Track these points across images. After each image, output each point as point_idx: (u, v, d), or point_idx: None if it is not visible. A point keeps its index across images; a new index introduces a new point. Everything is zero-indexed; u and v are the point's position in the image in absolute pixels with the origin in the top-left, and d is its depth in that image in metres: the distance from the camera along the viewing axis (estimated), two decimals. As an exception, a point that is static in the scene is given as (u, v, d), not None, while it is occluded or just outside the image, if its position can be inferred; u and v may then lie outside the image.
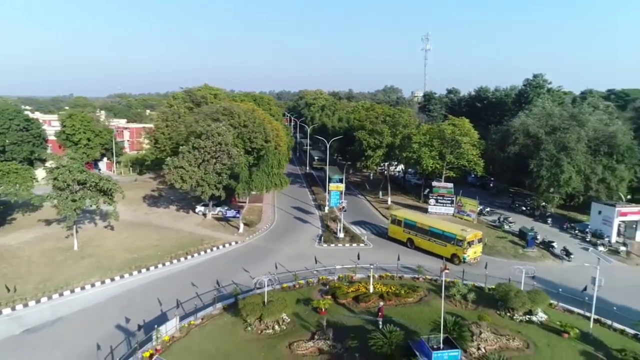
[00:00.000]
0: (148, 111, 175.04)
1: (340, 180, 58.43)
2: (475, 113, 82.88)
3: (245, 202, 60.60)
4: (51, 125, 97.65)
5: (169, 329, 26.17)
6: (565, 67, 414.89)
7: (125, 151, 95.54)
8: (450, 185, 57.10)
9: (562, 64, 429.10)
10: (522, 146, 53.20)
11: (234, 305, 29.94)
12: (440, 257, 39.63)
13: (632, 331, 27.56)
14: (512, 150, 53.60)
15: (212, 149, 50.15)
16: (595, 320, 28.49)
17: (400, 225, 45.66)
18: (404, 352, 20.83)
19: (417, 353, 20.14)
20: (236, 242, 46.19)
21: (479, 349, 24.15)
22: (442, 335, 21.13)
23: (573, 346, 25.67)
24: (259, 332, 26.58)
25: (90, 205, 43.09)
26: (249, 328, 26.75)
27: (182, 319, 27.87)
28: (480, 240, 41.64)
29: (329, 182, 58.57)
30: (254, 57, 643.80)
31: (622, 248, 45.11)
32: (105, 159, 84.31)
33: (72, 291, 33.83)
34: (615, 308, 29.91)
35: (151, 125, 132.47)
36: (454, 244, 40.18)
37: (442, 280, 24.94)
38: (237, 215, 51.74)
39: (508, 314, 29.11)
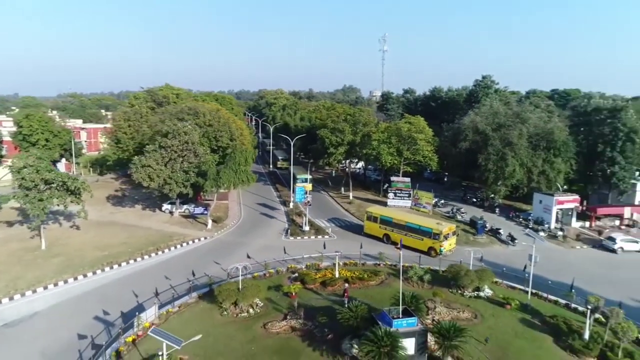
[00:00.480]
0: (103, 111, 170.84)
1: (307, 180, 60.68)
2: (430, 112, 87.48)
3: (211, 200, 61.82)
4: (2, 125, 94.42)
5: (149, 316, 27.77)
6: (516, 68, 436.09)
7: (84, 152, 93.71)
8: (408, 179, 60.84)
9: (513, 64, 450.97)
10: (471, 142, 57.60)
11: (209, 294, 31.79)
12: (417, 250, 41.65)
13: (563, 301, 31.68)
14: (463, 146, 57.94)
15: (178, 147, 51.24)
16: (533, 294, 32.46)
17: (376, 221, 46.93)
18: (368, 324, 23.50)
19: (380, 322, 22.85)
20: (205, 238, 47.66)
21: (433, 320, 27.26)
22: (401, 307, 23.98)
23: (514, 315, 29.37)
24: (235, 315, 28.60)
25: (58, 205, 43.40)
26: (225, 312, 28.72)
27: (160, 307, 29.42)
28: (454, 233, 43.95)
29: (295, 182, 60.59)
30: (211, 57, 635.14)
31: (560, 233, 50.15)
32: (63, 160, 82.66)
33: (46, 288, 34.46)
34: (550, 282, 34.05)
35: (109, 126, 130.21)
36: (430, 237, 41.90)
37: (400, 257, 27.81)
38: (205, 212, 53.12)
39: (459, 291, 32.55)
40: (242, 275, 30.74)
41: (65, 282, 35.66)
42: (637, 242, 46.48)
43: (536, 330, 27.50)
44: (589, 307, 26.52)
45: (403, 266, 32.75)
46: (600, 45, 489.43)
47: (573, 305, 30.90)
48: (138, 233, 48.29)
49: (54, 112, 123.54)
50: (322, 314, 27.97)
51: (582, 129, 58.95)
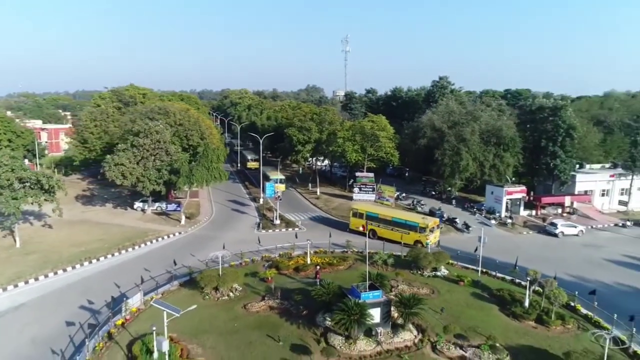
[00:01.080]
0: (61, 111, 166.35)
1: (281, 181, 62.87)
2: (391, 111, 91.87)
3: (182, 197, 63.34)
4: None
5: (135, 302, 29.70)
6: (472, 68, 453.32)
7: (47, 153, 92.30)
8: (372, 175, 64.55)
9: (470, 65, 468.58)
10: (429, 139, 61.91)
11: (189, 282, 34.00)
12: (399, 243, 44.06)
13: (508, 277, 35.89)
14: (422, 143, 62.13)
15: (150, 146, 52.63)
16: (483, 272, 36.59)
17: (362, 217, 48.11)
18: (339, 299, 26.46)
19: (349, 296, 25.89)
20: (180, 233, 49.44)
21: (396, 296, 30.60)
22: (367, 283, 27.14)
23: (466, 290, 33.24)
24: (216, 299, 30.97)
25: (32, 204, 44.08)
26: (207, 297, 31.03)
27: (144, 294, 31.35)
28: (438, 227, 46.33)
29: (271, 182, 62.15)
30: (171, 56, 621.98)
31: (509, 221, 55.13)
32: (26, 160, 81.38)
33: (27, 282, 35.55)
34: (498, 262, 38.27)
35: (70, 126, 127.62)
36: (416, 231, 43.82)
37: (366, 243, 31.09)
38: (178, 209, 54.76)
39: (419, 272, 36.17)
40: (220, 264, 33.14)
41: (46, 276, 36.81)
42: (575, 226, 51.97)
43: (485, 302, 31.42)
44: (528, 279, 30.67)
45: (369, 252, 36.17)
46: (553, 48, 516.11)
47: (517, 281, 35.07)
48: (112, 230, 49.44)
49: (9, 112, 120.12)
50: (297, 294, 30.84)
51: (528, 126, 64.43)
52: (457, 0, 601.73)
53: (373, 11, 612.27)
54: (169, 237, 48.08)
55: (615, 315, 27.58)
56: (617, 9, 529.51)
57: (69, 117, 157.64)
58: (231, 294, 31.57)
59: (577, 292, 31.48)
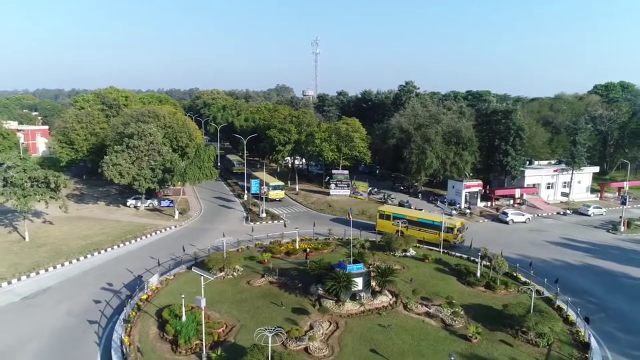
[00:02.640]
0: (30, 111, 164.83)
1: (281, 188, 66.47)
2: (362, 112, 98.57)
3: (170, 195, 67.70)
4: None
5: (154, 282, 34.78)
6: (438, 70, 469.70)
7: (30, 154, 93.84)
8: (346, 172, 71.01)
9: (435, 67, 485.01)
10: (398, 139, 68.85)
11: (196, 265, 39.15)
12: (427, 243, 46.33)
13: (465, 255, 42.91)
14: (391, 143, 69.03)
15: (144, 147, 57.06)
16: (444, 252, 43.51)
17: (389, 219, 50.21)
18: (328, 272, 32.44)
19: (337, 268, 31.95)
20: (175, 226, 54.27)
21: (374, 269, 36.90)
22: (352, 258, 33.32)
23: (430, 266, 40.00)
24: (222, 278, 36.37)
25: (39, 201, 47.87)
26: (215, 276, 36.34)
27: (160, 275, 36.44)
28: (464, 228, 48.61)
29: (273, 189, 65.57)
30: (135, 54, 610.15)
31: (468, 211, 62.73)
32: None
33: (46, 270, 39.84)
34: (458, 245, 45.33)
35: (46, 127, 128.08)
36: (444, 231, 45.82)
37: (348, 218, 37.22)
38: (171, 205, 59.42)
39: (391, 253, 42.68)
40: (219, 249, 38.55)
41: (62, 265, 41.17)
42: (523, 215, 60.05)
43: (445, 274, 38.21)
44: (479, 254, 37.71)
45: (348, 238, 42.49)
46: (515, 50, 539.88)
47: (472, 258, 42.07)
48: (111, 225, 53.72)
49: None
50: (292, 271, 36.73)
51: (484, 127, 72.36)
52: (423, 5, 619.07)
53: (341, 15, 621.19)
54: (166, 230, 52.85)
55: (546, 279, 34.99)
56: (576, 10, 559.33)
57: (39, 117, 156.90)
58: (235, 273, 37.05)
59: (518, 265, 38.76)
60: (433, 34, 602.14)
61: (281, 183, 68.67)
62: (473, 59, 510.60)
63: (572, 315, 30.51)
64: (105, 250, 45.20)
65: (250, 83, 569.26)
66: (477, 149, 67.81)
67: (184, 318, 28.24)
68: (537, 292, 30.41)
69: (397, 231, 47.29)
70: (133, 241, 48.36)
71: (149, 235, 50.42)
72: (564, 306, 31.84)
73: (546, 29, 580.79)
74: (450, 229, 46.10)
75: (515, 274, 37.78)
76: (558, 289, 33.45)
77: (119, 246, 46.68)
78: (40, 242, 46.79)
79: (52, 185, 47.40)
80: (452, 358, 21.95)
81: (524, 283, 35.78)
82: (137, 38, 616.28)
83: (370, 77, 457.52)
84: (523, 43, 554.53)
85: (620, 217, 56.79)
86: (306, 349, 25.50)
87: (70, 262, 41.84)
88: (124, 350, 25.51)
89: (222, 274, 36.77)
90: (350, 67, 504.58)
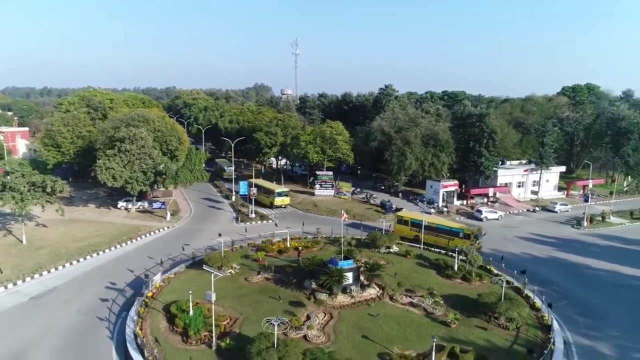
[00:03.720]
0: (8, 112, 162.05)
1: (286, 194, 66.40)
2: (343, 114, 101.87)
3: (159, 197, 69.44)
4: None
5: (157, 280, 37.15)
6: (416, 71, 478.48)
7: (12, 156, 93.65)
8: (331, 173, 74.17)
9: (413, 68, 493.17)
10: (379, 142, 72.36)
11: (193, 265, 41.66)
12: (445, 249, 46.23)
13: (444, 251, 46.57)
14: (373, 145, 72.52)
15: (136, 151, 58.81)
16: (425, 248, 47.12)
17: (407, 224, 51.37)
18: (320, 268, 35.45)
19: (330, 264, 34.99)
20: (168, 227, 56.37)
21: (363, 264, 40.11)
22: (342, 255, 36.44)
23: (412, 261, 43.54)
24: (221, 275, 38.89)
25: (35, 205, 49.29)
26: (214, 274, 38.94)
27: (163, 274, 38.79)
28: (481, 234, 48.53)
29: (278, 196, 65.45)
30: (110, 51, 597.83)
31: (445, 209, 66.76)
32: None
33: (49, 271, 41.63)
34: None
35: (26, 129, 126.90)
36: (461, 237, 47.09)
37: (343, 221, 40.28)
38: (163, 207, 61.38)
39: (376, 250, 45.99)
40: (214, 249, 41.10)
41: (64, 266, 42.99)
42: (496, 212, 64.44)
43: (426, 268, 41.81)
44: (457, 249, 41.41)
45: (336, 236, 45.63)
46: (490, 51, 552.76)
47: (449, 253, 45.68)
48: (105, 227, 55.43)
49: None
50: (286, 268, 39.65)
51: (460, 129, 76.52)
52: (402, 7, 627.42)
53: (320, 15, 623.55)
54: (159, 231, 54.92)
55: (515, 271, 39.00)
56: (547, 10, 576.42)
57: (15, 118, 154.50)
58: (232, 271, 39.68)
59: (491, 259, 42.66)
60: (411, 35, 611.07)
61: (286, 189, 68.74)
62: (450, 60, 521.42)
63: (538, 302, 34.42)
64: (104, 252, 47.11)
65: (228, 81, 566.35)
66: (453, 150, 71.89)
67: (191, 312, 30.83)
68: (508, 282, 34.18)
69: (414, 237, 49.08)
70: (129, 242, 50.33)
71: (143, 237, 52.42)
72: (531, 294, 35.80)
73: (520, 30, 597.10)
74: (467, 235, 46.85)
75: (488, 267, 41.65)
76: (526, 279, 37.44)
77: (116, 247, 48.61)
78: (38, 245, 48.29)
79: (49, 190, 49.02)
80: (435, 340, 25.27)
81: (496, 275, 39.58)
82: (111, 36, 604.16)
83: (349, 77, 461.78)
84: (499, 44, 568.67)
85: (584, 213, 61.71)
86: (305, 337, 28.50)
87: (71, 264, 43.67)
88: (139, 342, 27.97)
89: (221, 271, 39.29)
90: (330, 67, 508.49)
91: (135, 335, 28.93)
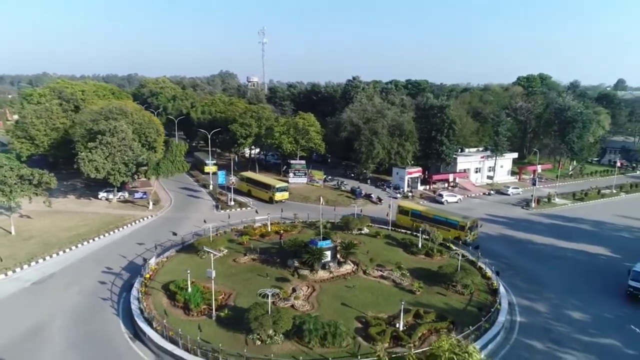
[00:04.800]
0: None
1: (286, 189, 66.91)
2: (312, 104, 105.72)
3: (138, 187, 71.64)
4: None
5: (152, 263, 40.58)
6: (380, 60, 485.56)
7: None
8: (304, 162, 78.34)
9: (377, 57, 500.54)
10: (349, 132, 77.03)
11: (182, 249, 45.22)
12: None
13: (409, 231, 51.99)
14: (343, 135, 77.14)
15: (117, 144, 60.94)
16: (392, 229, 52.39)
17: (407, 214, 53.82)
18: (302, 248, 39.89)
19: (310, 245, 39.46)
20: (152, 216, 59.19)
21: (340, 244, 44.77)
22: (321, 236, 40.99)
23: (382, 241, 48.71)
24: (211, 257, 42.66)
25: (23, 197, 51.10)
26: (203, 256, 42.70)
27: (156, 257, 42.18)
28: (476, 226, 50.34)
29: (278, 191, 65.51)
30: (68, 36, 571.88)
31: (410, 194, 72.49)
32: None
33: (44, 259, 44.17)
34: (403, 223, 54.45)
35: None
36: (457, 228, 49.15)
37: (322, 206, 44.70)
38: (145, 196, 63.94)
39: (349, 232, 50.83)
40: (199, 235, 44.74)
41: (57, 254, 45.56)
42: (455, 196, 70.69)
43: (394, 247, 47.03)
44: (420, 229, 46.84)
45: (312, 220, 50.11)
46: (453, 43, 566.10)
47: (414, 233, 51.13)
48: (89, 217, 57.69)
49: None
50: (270, 249, 43.90)
51: (423, 120, 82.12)
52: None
53: (283, 4, 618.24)
54: (143, 219, 57.72)
55: (470, 247, 44.81)
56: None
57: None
58: (220, 254, 43.49)
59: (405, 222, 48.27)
60: (374, 25, 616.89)
61: (285, 184, 69.18)
62: (415, 49, 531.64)
63: (489, 272, 40.25)
64: (93, 240, 49.77)
65: (191, 68, 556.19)
66: (417, 139, 77.51)
67: (189, 289, 34.66)
68: (463, 256, 39.74)
69: (413, 225, 51.20)
70: (117, 230, 53.05)
71: (129, 225, 55.19)
72: (483, 266, 41.61)
73: (481, 19, 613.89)
74: (462, 227, 48.87)
75: (447, 244, 47.25)
76: (479, 253, 43.31)
77: (104, 235, 51.30)
78: (26, 235, 50.32)
79: (35, 182, 50.97)
80: (403, 304, 30.32)
81: (454, 250, 45.27)
82: (68, 20, 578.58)
83: (317, 64, 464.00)
84: (463, 32, 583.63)
85: (532, 195, 68.84)
86: (292, 306, 32.99)
87: (64, 252, 46.24)
88: (145, 315, 31.66)
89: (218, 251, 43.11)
90: (297, 54, 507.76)
91: (141, 310, 32.56)
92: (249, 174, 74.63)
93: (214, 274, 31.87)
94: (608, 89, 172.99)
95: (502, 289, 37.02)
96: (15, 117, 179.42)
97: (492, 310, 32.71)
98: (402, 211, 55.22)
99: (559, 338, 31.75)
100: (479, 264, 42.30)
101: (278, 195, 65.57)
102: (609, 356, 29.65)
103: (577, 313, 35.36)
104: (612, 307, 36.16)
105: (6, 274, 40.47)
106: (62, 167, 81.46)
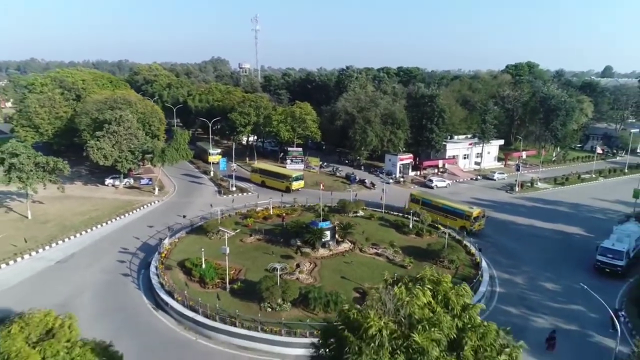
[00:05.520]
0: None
1: (302, 178, 68.45)
2: (306, 92, 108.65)
3: (142, 173, 74.71)
4: None
5: (166, 243, 44.20)
6: (373, 48, 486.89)
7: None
8: (300, 149, 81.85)
9: (371, 45, 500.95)
10: (344, 121, 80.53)
11: (191, 231, 48.85)
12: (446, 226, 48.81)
13: (400, 213, 56.05)
14: (338, 124, 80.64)
15: (123, 132, 63.93)
16: (386, 212, 56.41)
17: (418, 202, 55.85)
18: (303, 229, 43.72)
19: (311, 225, 43.29)
20: (158, 201, 62.57)
21: (338, 224, 48.67)
22: (321, 218, 44.83)
23: (376, 222, 52.70)
24: (218, 238, 46.40)
25: (39, 183, 54.09)
26: (213, 237, 46.39)
27: (170, 237, 45.78)
28: (483, 216, 51.73)
29: (295, 180, 67.10)
30: (56, 21, 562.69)
31: (402, 179, 76.54)
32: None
33: (63, 241, 47.57)
34: (395, 205, 58.48)
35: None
36: (463, 218, 50.85)
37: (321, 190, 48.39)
38: (150, 183, 67.19)
39: (345, 214, 54.72)
40: (206, 218, 48.39)
41: (75, 236, 48.95)
42: (445, 181, 74.85)
43: (387, 227, 51.05)
44: (411, 211, 50.88)
45: (310, 205, 53.87)
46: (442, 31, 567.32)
47: (406, 215, 55.17)
48: (99, 202, 60.94)
49: None
50: (274, 231, 47.73)
51: (414, 109, 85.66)
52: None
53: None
54: (151, 204, 61.10)
55: (457, 227, 49.00)
56: None
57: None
58: (234, 232, 47.12)
59: (438, 218, 52.49)
60: (367, 13, 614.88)
61: (301, 173, 70.92)
62: (407, 36, 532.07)
63: (473, 249, 44.50)
64: (106, 223, 53.16)
65: (182, 55, 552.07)
66: (408, 127, 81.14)
67: (203, 265, 38.40)
68: (450, 235, 43.90)
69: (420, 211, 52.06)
70: (127, 215, 56.43)
71: (138, 210, 58.57)
72: (468, 244, 45.84)
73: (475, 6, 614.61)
74: (467, 217, 50.57)
75: (436, 225, 51.35)
76: (465, 233, 47.52)
77: (116, 219, 54.68)
78: (42, 219, 53.56)
79: (49, 169, 54.05)
80: (396, 275, 34.30)
81: (442, 230, 49.43)
82: (55, 4, 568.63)
83: (308, 50, 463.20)
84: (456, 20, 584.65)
85: (516, 180, 73.23)
86: (297, 279, 36.92)
87: (81, 234, 49.65)
88: (167, 288, 35.40)
89: (218, 235, 46.79)
90: (288, 40, 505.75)
91: (161, 284, 36.28)
92: (261, 165, 76.49)
93: (227, 251, 35.63)
94: (593, 77, 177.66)
95: (484, 264, 41.26)
96: (9, 104, 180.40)
97: (475, 281, 36.92)
98: (414, 199, 57.31)
99: (532, 305, 36.20)
100: (464, 242, 46.52)
101: (295, 185, 67.03)
102: (574, 319, 34.14)
103: (549, 284, 39.85)
104: (581, 279, 40.33)
105: (30, 254, 43.88)
106: (65, 155, 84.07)
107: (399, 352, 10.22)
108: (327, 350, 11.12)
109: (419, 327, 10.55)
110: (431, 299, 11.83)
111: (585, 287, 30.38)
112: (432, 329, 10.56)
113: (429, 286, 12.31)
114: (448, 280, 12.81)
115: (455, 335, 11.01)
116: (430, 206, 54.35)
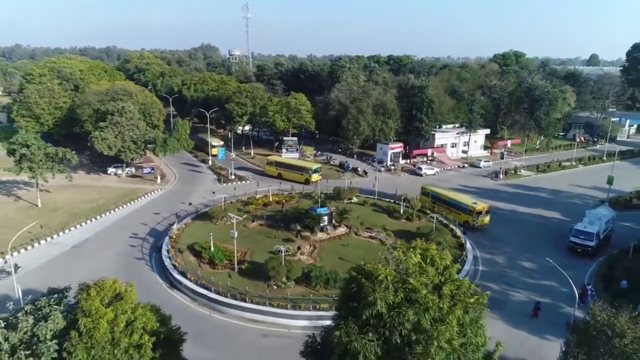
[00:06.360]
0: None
1: (319, 170, 69.50)
2: (299, 82, 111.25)
3: (142, 162, 77.21)
4: None
5: (175, 228, 47.30)
6: (362, 35, 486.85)
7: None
8: (295, 138, 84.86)
9: (360, 32, 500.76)
10: (337, 111, 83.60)
11: (198, 217, 51.96)
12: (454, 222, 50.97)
13: (392, 200, 59.69)
14: (332, 114, 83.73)
15: (126, 123, 66.36)
16: (378, 198, 60.01)
17: (428, 196, 57.36)
18: (302, 215, 47.11)
19: (310, 211, 46.70)
20: (161, 189, 65.43)
21: (335, 210, 52.13)
22: (319, 204, 48.23)
23: (369, 208, 56.32)
24: (223, 224, 49.66)
25: (48, 173, 56.51)
26: (218, 222, 49.58)
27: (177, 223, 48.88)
28: (487, 212, 51.98)
29: (311, 174, 67.94)
30: (40, 6, 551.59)
31: (392, 167, 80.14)
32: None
33: (75, 227, 50.40)
34: (387, 193, 62.07)
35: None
36: (466, 213, 51.68)
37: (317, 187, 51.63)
38: (152, 172, 69.89)
39: (340, 201, 58.18)
40: (208, 206, 51.53)
41: (85, 223, 51.79)
42: (433, 169, 78.64)
43: (379, 213, 54.69)
44: (402, 197, 54.55)
45: (307, 192, 57.16)
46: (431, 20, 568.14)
47: (397, 201, 58.77)
48: (105, 191, 63.59)
49: None
50: (275, 216, 51.09)
51: (404, 99, 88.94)
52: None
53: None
54: (154, 192, 63.95)
55: (444, 212, 52.87)
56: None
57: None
58: (241, 218, 50.20)
59: (444, 212, 56.16)
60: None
61: (319, 165, 71.81)
62: (398, 22, 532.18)
63: (458, 232, 48.37)
64: (114, 210, 56.01)
65: (171, 41, 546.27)
66: (398, 117, 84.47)
67: (212, 249, 41.69)
68: (438, 219, 47.66)
69: (435, 209, 52.55)
70: (133, 202, 59.28)
71: (143, 197, 61.43)
72: (454, 227, 49.69)
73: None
74: (470, 212, 51.37)
75: (425, 210, 55.11)
76: (451, 217, 51.36)
77: (123, 207, 57.52)
78: (52, 207, 56.21)
79: (57, 160, 56.52)
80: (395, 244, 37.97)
81: (430, 215, 53.17)
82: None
83: (298, 36, 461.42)
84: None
85: (500, 168, 77.27)
86: (299, 260, 40.43)
87: (91, 221, 52.49)
88: (180, 269, 38.67)
89: (222, 221, 50.03)
90: (278, 22, 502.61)
91: (174, 266, 39.54)
92: (278, 157, 77.14)
93: (236, 234, 38.99)
94: (578, 66, 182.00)
95: (468, 246, 45.16)
96: None
97: (460, 260, 40.76)
98: (424, 193, 58.44)
99: (510, 281, 40.25)
100: (451, 226, 50.35)
101: (315, 177, 68.07)
102: (547, 293, 38.24)
103: (527, 263, 43.94)
104: (555, 258, 44.16)
105: (46, 240, 46.72)
106: (65, 144, 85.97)
107: (399, 291, 13.95)
108: (351, 292, 14.75)
109: (413, 275, 14.23)
110: (421, 260, 15.32)
111: (553, 263, 34.24)
112: (422, 276, 14.28)
113: (419, 251, 15.79)
114: (433, 248, 16.31)
115: (438, 282, 14.71)
116: (439, 200, 55.37)
